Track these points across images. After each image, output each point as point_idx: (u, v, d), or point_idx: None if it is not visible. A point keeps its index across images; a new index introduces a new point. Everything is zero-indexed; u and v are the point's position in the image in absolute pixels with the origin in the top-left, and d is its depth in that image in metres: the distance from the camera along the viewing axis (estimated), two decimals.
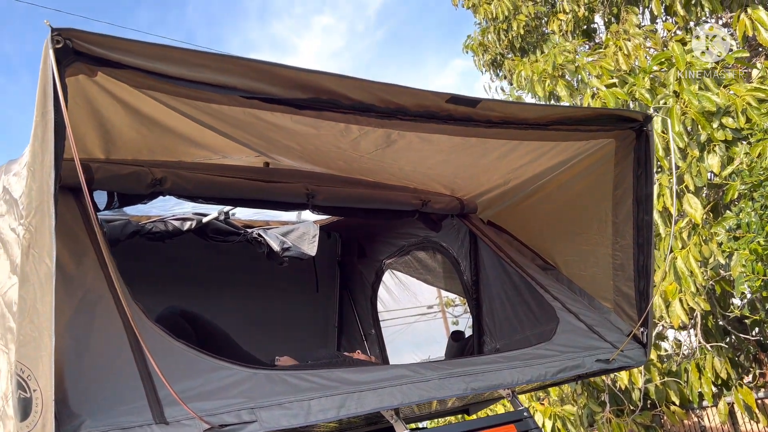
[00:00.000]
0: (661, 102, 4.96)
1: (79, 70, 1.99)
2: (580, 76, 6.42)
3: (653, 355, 5.63)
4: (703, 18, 6.57)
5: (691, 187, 4.93)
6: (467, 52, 10.05)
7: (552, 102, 6.82)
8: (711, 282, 5.28)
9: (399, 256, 4.81)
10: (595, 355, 3.28)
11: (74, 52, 1.80)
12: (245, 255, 4.32)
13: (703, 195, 5.37)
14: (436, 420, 4.10)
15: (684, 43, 5.26)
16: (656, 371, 5.59)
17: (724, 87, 4.91)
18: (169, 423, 2.02)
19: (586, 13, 8.34)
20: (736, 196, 4.59)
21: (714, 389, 5.53)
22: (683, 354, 6.08)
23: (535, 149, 3.29)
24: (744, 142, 4.70)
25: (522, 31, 9.10)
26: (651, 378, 5.59)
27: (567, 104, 6.56)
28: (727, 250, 4.40)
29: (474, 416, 3.72)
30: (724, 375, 5.37)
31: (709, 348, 5.49)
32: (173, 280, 4.31)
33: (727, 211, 4.52)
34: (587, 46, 8.50)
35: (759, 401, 6.68)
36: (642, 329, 3.43)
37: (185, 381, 2.15)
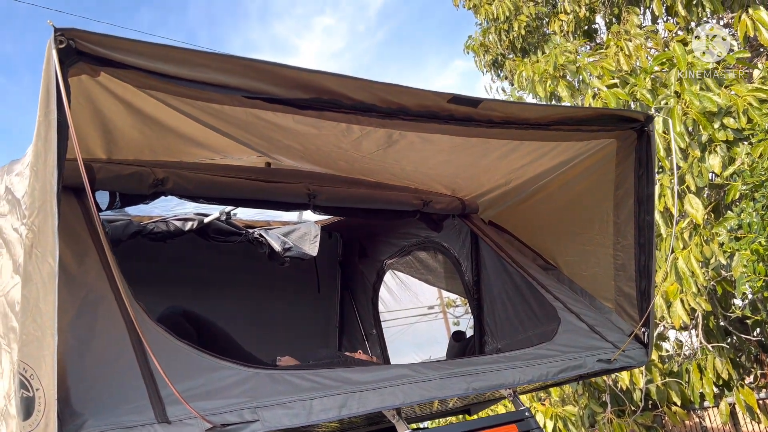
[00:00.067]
0: (663, 102, 4.96)
1: (81, 70, 2.00)
2: (581, 77, 6.41)
3: (654, 356, 5.63)
4: (704, 18, 6.56)
5: (693, 188, 4.93)
6: (468, 53, 10.06)
7: (553, 102, 6.82)
8: (712, 282, 5.28)
9: (400, 256, 4.82)
10: (597, 355, 3.28)
11: (77, 52, 1.80)
12: (246, 255, 4.33)
13: (705, 195, 5.37)
14: (437, 420, 4.10)
15: (685, 44, 5.25)
16: (657, 372, 5.59)
17: (726, 87, 4.92)
18: (171, 422, 2.02)
19: (587, 14, 8.34)
20: (737, 197, 4.59)
21: (715, 390, 5.52)
22: (684, 354, 6.08)
23: (536, 149, 3.29)
24: (745, 143, 4.70)
25: (523, 32, 9.10)
26: (652, 378, 5.59)
27: (568, 104, 6.56)
28: (729, 250, 4.40)
29: (475, 416, 3.72)
30: (725, 375, 5.37)
31: (711, 348, 5.49)
32: (174, 280, 4.31)
33: (729, 212, 4.52)
34: (588, 47, 8.50)
35: (760, 402, 6.69)
36: (643, 329, 3.43)
37: (187, 380, 2.16)
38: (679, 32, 6.60)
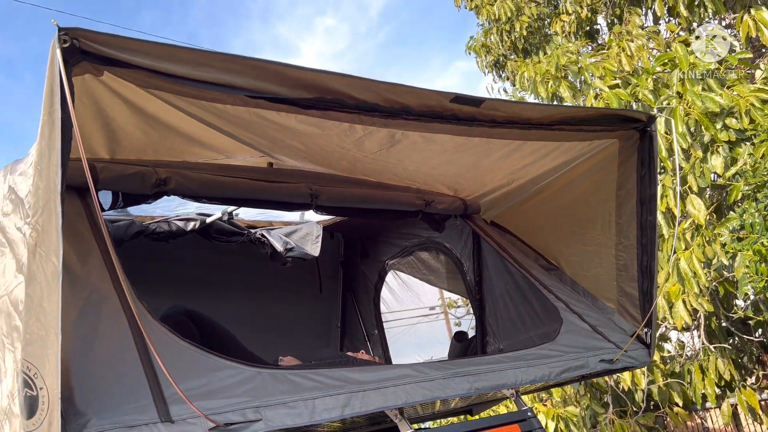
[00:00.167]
0: (665, 103, 4.96)
1: (85, 69, 2.00)
2: (583, 77, 6.42)
3: (656, 356, 5.62)
4: (706, 19, 6.56)
5: (695, 188, 4.93)
6: (470, 54, 10.06)
7: (555, 103, 6.82)
8: (714, 283, 5.27)
9: (402, 256, 4.81)
10: (599, 356, 3.27)
11: (81, 52, 1.80)
12: (248, 255, 4.33)
13: (707, 196, 5.36)
14: (439, 420, 4.10)
15: (687, 44, 5.26)
16: (659, 372, 5.58)
17: (728, 88, 4.91)
18: (174, 421, 2.02)
19: (589, 14, 8.34)
20: (739, 197, 4.59)
21: (717, 390, 5.51)
22: (686, 355, 6.07)
23: (538, 149, 3.29)
24: (747, 143, 4.70)
25: (525, 33, 9.10)
26: (654, 379, 5.58)
27: (570, 105, 6.56)
28: (731, 251, 4.40)
29: (477, 416, 3.72)
30: (727, 376, 5.37)
31: (713, 349, 5.49)
32: (177, 280, 4.31)
33: (731, 212, 4.52)
34: (590, 47, 8.49)
35: (762, 403, 6.68)
36: (646, 330, 3.43)
37: (190, 380, 2.16)
38: (681, 33, 6.60)
